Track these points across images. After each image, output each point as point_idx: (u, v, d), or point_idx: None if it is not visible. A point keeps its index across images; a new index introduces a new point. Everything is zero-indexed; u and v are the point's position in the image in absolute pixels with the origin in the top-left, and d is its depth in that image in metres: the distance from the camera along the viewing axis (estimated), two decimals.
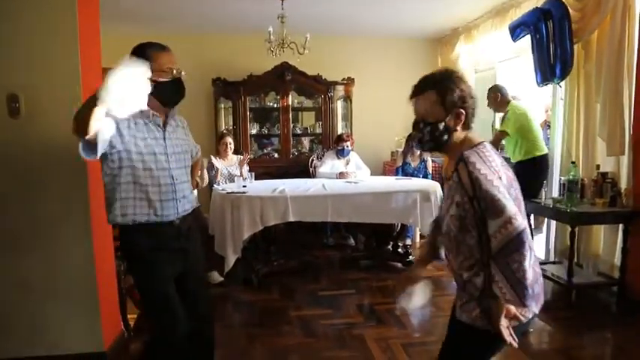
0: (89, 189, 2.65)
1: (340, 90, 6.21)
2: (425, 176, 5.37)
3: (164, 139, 2.02)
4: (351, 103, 6.34)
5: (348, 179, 4.82)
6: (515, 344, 1.45)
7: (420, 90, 1.57)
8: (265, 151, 6.31)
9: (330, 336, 3.15)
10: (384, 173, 6.23)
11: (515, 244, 1.37)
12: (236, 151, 5.17)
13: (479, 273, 1.48)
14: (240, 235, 3.79)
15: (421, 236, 5.47)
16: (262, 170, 5.38)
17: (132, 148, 1.91)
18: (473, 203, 1.42)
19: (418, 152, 5.43)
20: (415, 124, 1.58)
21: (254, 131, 6.19)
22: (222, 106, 6.19)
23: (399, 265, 4.59)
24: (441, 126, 1.52)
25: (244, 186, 4.30)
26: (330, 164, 5.14)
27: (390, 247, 4.70)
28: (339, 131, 6.06)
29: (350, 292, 3.96)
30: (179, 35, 6.07)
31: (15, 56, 2.55)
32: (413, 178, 5.12)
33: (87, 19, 2.68)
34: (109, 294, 2.92)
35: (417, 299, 4.02)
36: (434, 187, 4.40)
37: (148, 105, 1.76)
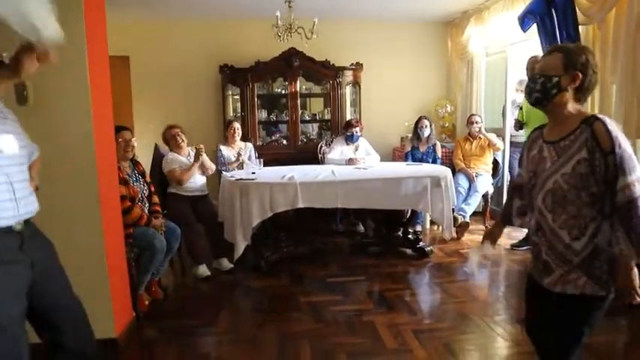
0: (98, 176, 2.64)
1: (349, 75, 6.14)
2: (434, 161, 5.32)
3: None
4: (359, 88, 6.27)
5: (357, 165, 4.78)
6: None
7: (549, 52, 1.71)
8: (274, 137, 6.27)
9: (340, 322, 3.15)
10: (394, 159, 6.18)
11: None
12: (244, 138, 5.15)
13: (579, 237, 1.59)
14: (250, 222, 3.78)
15: (431, 222, 5.44)
16: (271, 157, 5.35)
17: None
18: (607, 159, 1.52)
19: (425, 137, 5.37)
20: (532, 78, 1.69)
21: (262, 118, 6.16)
22: (230, 93, 6.15)
23: (409, 251, 4.56)
24: (554, 80, 1.63)
25: (253, 172, 4.29)
26: (339, 150, 5.11)
27: (400, 233, 4.66)
28: (348, 117, 6.00)
29: (360, 279, 3.95)
30: (186, 22, 6.05)
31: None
32: (423, 164, 5.07)
33: (92, 6, 2.66)
34: (120, 281, 2.94)
35: (426, 285, 4.00)
36: (444, 172, 4.35)
37: None
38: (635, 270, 1.55)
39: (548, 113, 1.72)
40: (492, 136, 5.36)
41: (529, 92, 1.70)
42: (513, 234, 4.93)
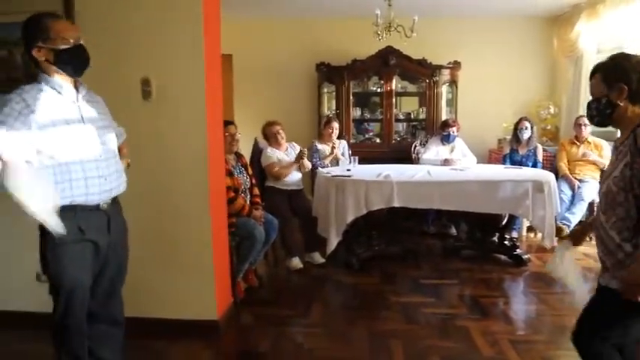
0: (208, 167, 2.82)
1: (446, 74, 6.00)
2: (534, 165, 5.05)
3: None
4: (456, 87, 6.11)
5: (453, 166, 4.67)
6: None
7: (591, 76, 1.79)
8: (366, 136, 6.30)
9: (432, 324, 3.11)
10: (489, 161, 5.95)
11: None
12: (340, 136, 5.22)
13: (629, 238, 1.63)
14: (344, 219, 3.83)
15: (528, 229, 5.18)
16: (363, 155, 5.36)
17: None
18: None
19: (525, 139, 5.12)
20: (588, 105, 1.79)
21: (356, 116, 6.20)
22: (326, 90, 6.26)
23: (505, 257, 4.38)
24: (604, 100, 1.70)
25: (349, 169, 4.34)
26: (434, 150, 5.02)
27: (495, 238, 4.49)
28: (444, 117, 5.87)
29: (452, 282, 3.87)
30: (285, 21, 6.24)
31: (147, 43, 2.77)
32: (523, 167, 4.84)
33: (210, 8, 2.83)
34: (222, 267, 3.11)
35: (522, 294, 3.83)
36: (547, 177, 4.12)
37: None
38: None
39: (616, 126, 1.79)
40: (589, 154, 4.99)
41: (590, 118, 1.80)
42: None
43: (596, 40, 5.45)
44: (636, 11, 4.19)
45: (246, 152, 4.55)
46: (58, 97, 1.87)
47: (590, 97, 1.77)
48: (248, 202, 3.64)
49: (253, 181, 3.84)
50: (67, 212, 1.79)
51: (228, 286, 3.25)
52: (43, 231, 1.82)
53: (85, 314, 1.98)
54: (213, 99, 2.91)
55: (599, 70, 1.75)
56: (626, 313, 1.66)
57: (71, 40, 1.86)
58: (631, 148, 1.61)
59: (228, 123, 3.54)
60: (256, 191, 3.83)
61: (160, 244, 2.89)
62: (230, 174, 3.48)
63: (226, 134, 3.47)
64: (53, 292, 1.94)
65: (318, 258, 4.24)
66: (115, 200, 2.05)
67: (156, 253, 2.90)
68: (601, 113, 1.73)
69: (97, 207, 1.93)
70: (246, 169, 3.79)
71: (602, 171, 5.03)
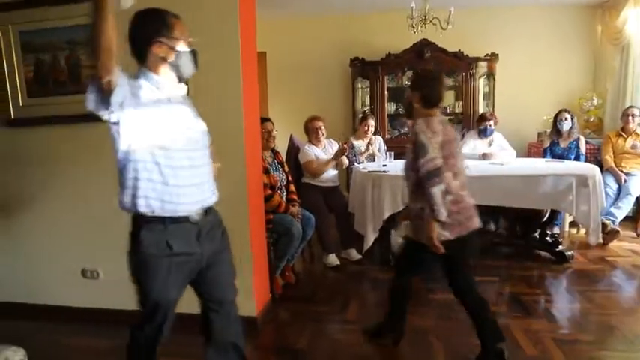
0: (246, 165, 2.85)
1: (483, 66, 5.87)
2: (577, 158, 4.88)
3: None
4: (494, 80, 5.97)
5: (492, 161, 4.57)
6: (441, 250, 2.32)
7: None
8: (402, 131, 6.23)
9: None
10: (529, 155, 5.80)
11: (432, 175, 2.19)
12: (375, 132, 5.18)
13: (415, 202, 2.38)
14: (381, 215, 3.81)
15: (570, 224, 5.01)
16: (399, 150, 5.30)
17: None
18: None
19: (566, 132, 4.94)
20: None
21: (391, 111, 6.14)
22: (360, 85, 6.23)
23: (546, 254, 4.26)
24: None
25: (384, 165, 4.31)
26: (471, 145, 4.92)
27: (536, 234, 4.37)
28: (481, 110, 5.75)
29: (491, 279, 3.78)
30: (318, 17, 6.24)
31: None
32: (565, 161, 4.68)
33: (246, 6, 2.85)
34: (261, 264, 3.15)
35: (566, 292, 3.71)
36: (592, 170, 3.97)
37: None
38: (434, 226, 2.28)
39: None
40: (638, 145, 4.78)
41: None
42: None
43: None
44: None
45: (282, 149, 4.59)
46: (156, 96, 1.74)
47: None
48: (284, 199, 3.67)
49: (289, 177, 3.86)
50: (155, 225, 1.72)
51: (267, 282, 3.29)
52: (134, 236, 1.75)
53: (162, 330, 1.88)
54: (250, 96, 2.94)
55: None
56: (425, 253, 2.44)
57: (189, 43, 1.80)
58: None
59: (264, 120, 3.57)
60: (292, 188, 3.85)
61: None
62: (267, 171, 3.50)
63: (263, 131, 3.51)
64: (138, 300, 1.84)
65: (354, 254, 4.23)
66: (208, 211, 1.88)
67: None
68: (406, 109, 2.62)
69: (186, 219, 1.77)
70: (282, 166, 3.81)
71: None
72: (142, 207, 1.70)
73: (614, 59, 5.71)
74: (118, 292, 3.12)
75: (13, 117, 3.13)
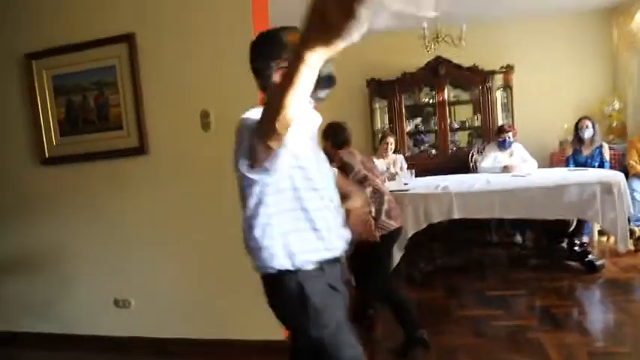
0: None
1: (499, 79, 5.89)
2: (601, 165, 4.82)
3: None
4: (511, 91, 5.97)
5: (514, 173, 4.55)
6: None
7: None
8: (422, 148, 6.26)
9: (502, 338, 3.03)
10: (551, 165, 5.74)
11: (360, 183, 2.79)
12: (395, 150, 5.22)
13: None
14: (405, 233, 3.82)
15: (600, 232, 4.93)
16: (420, 167, 5.34)
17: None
18: None
19: (588, 139, 4.89)
20: None
21: (410, 128, 6.19)
22: (378, 105, 6.30)
23: (576, 264, 4.19)
24: None
25: (406, 184, 4.34)
26: (492, 158, 4.91)
27: (564, 244, 4.32)
28: (500, 122, 5.75)
29: (520, 293, 3.74)
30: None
31: (205, 77, 2.94)
32: (588, 169, 4.63)
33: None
34: None
35: (599, 303, 3.65)
36: (616, 177, 3.93)
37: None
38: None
39: None
40: None
41: None
42: None
43: None
44: None
45: None
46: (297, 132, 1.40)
47: None
48: None
49: None
50: (315, 272, 1.51)
51: None
52: (303, 295, 1.48)
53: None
54: None
55: None
56: None
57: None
58: None
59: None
60: None
61: (224, 266, 3.01)
62: None
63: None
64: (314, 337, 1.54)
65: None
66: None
67: (220, 275, 3.03)
68: None
69: (337, 259, 1.60)
70: None
71: None
72: (300, 261, 1.48)
73: (632, 63, 5.66)
74: (149, 321, 3.22)
75: (47, 156, 3.29)
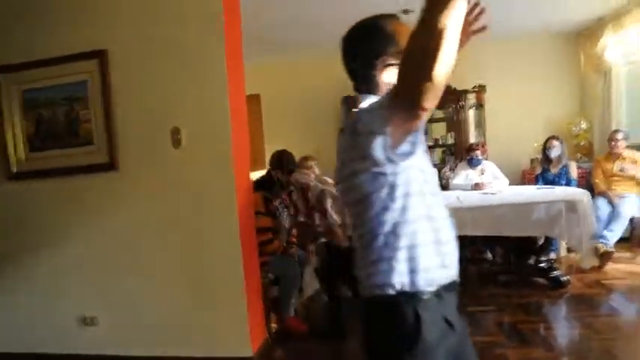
0: (238, 209, 2.94)
1: (471, 98, 6.04)
2: (568, 183, 4.95)
3: None
4: (483, 110, 6.11)
5: (484, 190, 4.64)
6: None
7: None
8: None
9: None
10: (524, 182, 5.87)
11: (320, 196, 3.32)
12: None
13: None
14: None
15: (568, 249, 5.04)
16: None
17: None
18: None
19: (555, 158, 5.03)
20: None
21: None
22: None
23: (543, 280, 4.28)
24: None
25: None
26: (463, 175, 5.01)
27: (531, 261, 4.40)
28: (472, 140, 5.88)
29: (489, 309, 3.79)
30: (310, 59, 6.43)
31: (176, 94, 2.95)
32: (556, 187, 4.75)
33: (233, 59, 3.00)
34: (256, 304, 3.19)
35: (564, 319, 3.73)
36: (580, 195, 4.04)
37: None
38: None
39: None
40: (628, 167, 4.86)
41: None
42: None
43: (623, 52, 5.39)
44: None
45: None
46: None
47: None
48: (284, 241, 3.74)
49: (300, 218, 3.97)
50: (433, 300, 1.22)
51: (262, 322, 3.32)
52: (416, 329, 1.19)
53: None
54: (240, 142, 3.05)
55: None
56: None
57: None
58: None
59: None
60: (294, 231, 3.93)
61: (193, 285, 3.01)
62: (274, 215, 3.61)
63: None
64: None
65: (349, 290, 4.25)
66: None
67: (189, 292, 3.02)
68: None
69: (454, 284, 1.31)
70: (288, 209, 3.91)
71: None
72: (423, 280, 1.20)
73: (597, 85, 5.86)
74: (116, 338, 3.18)
75: (15, 171, 3.25)
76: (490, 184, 4.78)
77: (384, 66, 1.31)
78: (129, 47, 2.99)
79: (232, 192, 2.93)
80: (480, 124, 6.16)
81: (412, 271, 1.20)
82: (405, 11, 4.72)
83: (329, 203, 3.01)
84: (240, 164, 3.05)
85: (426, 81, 0.99)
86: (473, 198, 4.27)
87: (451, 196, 4.41)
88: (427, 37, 0.94)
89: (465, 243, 5.11)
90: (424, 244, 1.21)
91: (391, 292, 1.19)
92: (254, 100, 6.38)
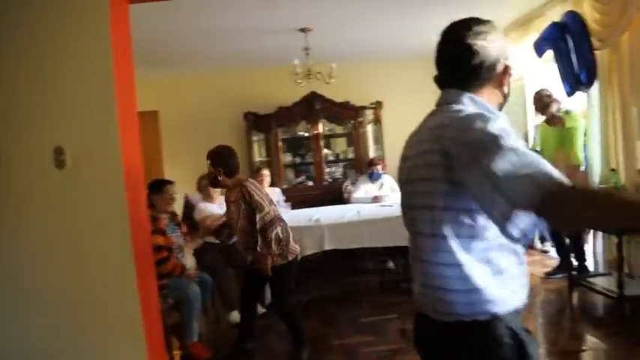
0: (131, 233, 2.76)
1: (369, 114, 6.28)
2: None
3: None
4: (381, 126, 6.38)
5: (382, 203, 4.81)
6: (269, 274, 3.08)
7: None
8: (300, 179, 6.39)
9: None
10: None
11: (268, 225, 2.99)
12: (272, 183, 5.27)
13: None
14: None
15: None
16: (298, 199, 5.46)
17: None
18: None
19: None
20: None
21: (287, 161, 6.30)
22: (255, 138, 6.35)
23: None
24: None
25: None
26: (364, 189, 5.16)
27: None
28: (371, 155, 6.09)
29: (392, 317, 3.91)
30: (209, 74, 6.33)
31: (58, 110, 2.73)
32: None
33: (122, 71, 2.84)
34: (155, 333, 3.01)
35: None
36: None
37: None
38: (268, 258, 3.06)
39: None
40: None
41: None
42: (546, 262, 4.83)
43: None
44: (530, 47, 4.59)
45: (178, 208, 4.53)
46: None
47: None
48: (181, 262, 3.60)
49: (187, 239, 3.82)
50: (514, 317, 1.24)
51: (163, 352, 3.14)
52: (518, 343, 1.21)
53: None
54: (131, 161, 2.88)
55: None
56: None
57: None
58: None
59: (167, 182, 3.59)
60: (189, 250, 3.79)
61: (79, 309, 2.78)
62: (163, 233, 3.44)
63: (167, 194, 3.58)
64: None
65: (258, 308, 4.18)
66: None
67: (81, 325, 2.78)
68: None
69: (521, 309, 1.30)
70: (180, 228, 3.77)
71: None
72: (513, 301, 1.23)
73: None
74: None
75: None
76: (388, 197, 4.96)
77: (506, 65, 1.33)
78: (7, 62, 2.72)
79: (125, 214, 2.74)
80: (378, 140, 6.41)
81: (504, 297, 1.20)
82: (303, 29, 4.83)
83: (273, 233, 3.00)
84: (134, 185, 2.88)
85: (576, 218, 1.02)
86: (372, 211, 4.41)
87: (352, 209, 4.53)
88: (592, 210, 0.98)
89: (367, 254, 5.30)
90: (509, 268, 1.22)
91: (485, 317, 1.20)
92: (151, 116, 6.13)
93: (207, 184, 4.36)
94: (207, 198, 4.37)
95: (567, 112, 4.31)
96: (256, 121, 6.17)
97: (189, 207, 4.42)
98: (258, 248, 3.07)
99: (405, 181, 1.41)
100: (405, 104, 6.60)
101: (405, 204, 1.42)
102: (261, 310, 4.17)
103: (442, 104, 1.40)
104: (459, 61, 1.31)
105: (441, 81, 1.43)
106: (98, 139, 2.73)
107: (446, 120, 1.27)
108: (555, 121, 4.33)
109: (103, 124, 2.72)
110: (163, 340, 3.15)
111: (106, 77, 2.70)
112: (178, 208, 4.67)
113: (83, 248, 2.76)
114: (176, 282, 3.39)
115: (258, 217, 2.99)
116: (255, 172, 5.18)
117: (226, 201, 3.35)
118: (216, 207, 4.34)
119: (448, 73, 1.39)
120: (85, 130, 2.73)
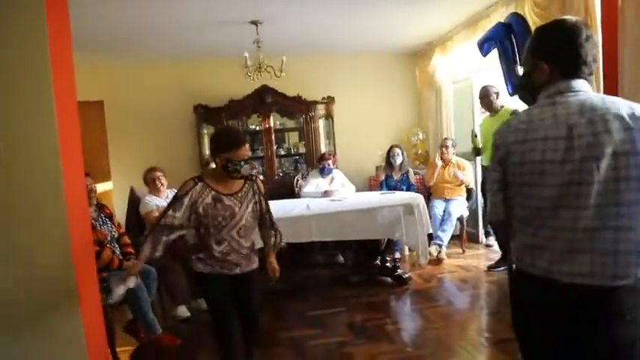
0: (70, 232, 2.66)
1: (321, 109, 6.29)
2: (408, 188, 5.42)
3: None
4: (332, 121, 6.42)
5: (332, 197, 4.85)
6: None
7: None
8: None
9: (319, 356, 3.16)
10: (370, 188, 6.28)
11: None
12: None
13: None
14: None
15: (410, 249, 5.50)
16: None
17: None
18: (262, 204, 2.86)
19: (398, 165, 5.50)
20: None
21: None
22: (206, 131, 6.23)
23: (388, 279, 4.60)
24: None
25: None
26: (314, 183, 5.18)
27: (377, 262, 4.71)
28: (323, 150, 6.12)
29: (340, 310, 3.96)
30: (158, 64, 6.15)
31: None
32: (397, 192, 5.16)
33: (60, 56, 2.71)
34: (96, 332, 2.91)
35: (406, 313, 4.04)
36: (417, 199, 4.44)
37: None
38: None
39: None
40: (459, 174, 5.47)
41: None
42: (490, 255, 5.02)
43: (450, 72, 6.08)
44: (476, 48, 4.72)
45: (124, 201, 4.41)
46: None
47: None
48: (119, 254, 3.51)
49: (122, 230, 3.72)
50: None
51: (106, 352, 3.05)
52: None
53: None
54: (71, 154, 2.77)
55: None
56: None
57: None
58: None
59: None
60: (126, 240, 3.69)
61: (19, 317, 2.65)
62: (92, 227, 3.32)
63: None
64: None
65: (205, 304, 4.12)
66: None
67: (15, 326, 2.65)
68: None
69: None
70: (111, 219, 3.67)
71: (468, 189, 5.54)
72: None
73: (431, 100, 6.53)
74: None
75: None
76: (338, 191, 5.01)
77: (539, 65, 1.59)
78: None
79: (62, 208, 2.64)
80: (330, 134, 6.45)
81: None
82: (254, 22, 4.78)
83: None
84: (73, 178, 2.76)
85: None
86: (321, 205, 4.44)
87: (302, 203, 4.54)
88: None
89: (317, 248, 5.33)
90: None
91: None
92: (96, 106, 5.90)
93: (152, 177, 4.27)
94: (154, 191, 4.26)
95: (514, 113, 4.48)
96: (206, 114, 6.06)
97: (134, 201, 4.29)
98: (268, 248, 2.97)
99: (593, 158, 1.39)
100: (357, 99, 6.70)
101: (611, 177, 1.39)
102: (185, 313, 4.08)
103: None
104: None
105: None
106: (34, 132, 2.60)
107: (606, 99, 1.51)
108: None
109: (38, 116, 2.60)
110: (106, 340, 3.07)
111: (41, 67, 2.58)
112: (123, 201, 4.54)
113: (19, 245, 2.63)
114: (115, 276, 3.28)
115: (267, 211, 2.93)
116: (203, 167, 5.09)
117: (219, 195, 2.77)
118: (162, 200, 4.24)
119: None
120: (19, 122, 2.59)
